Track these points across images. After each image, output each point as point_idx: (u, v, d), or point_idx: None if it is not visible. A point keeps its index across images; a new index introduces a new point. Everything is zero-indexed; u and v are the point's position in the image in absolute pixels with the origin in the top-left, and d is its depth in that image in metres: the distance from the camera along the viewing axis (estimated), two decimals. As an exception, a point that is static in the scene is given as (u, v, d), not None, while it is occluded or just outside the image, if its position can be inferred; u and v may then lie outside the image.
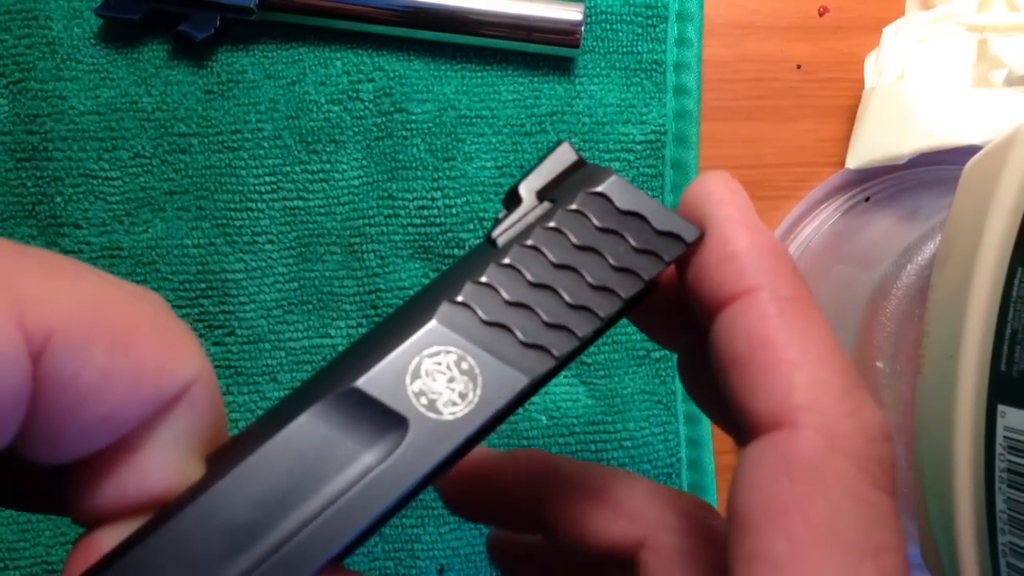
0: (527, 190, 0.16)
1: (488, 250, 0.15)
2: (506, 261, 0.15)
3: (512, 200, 0.16)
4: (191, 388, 0.13)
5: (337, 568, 0.14)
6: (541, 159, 0.16)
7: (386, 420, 0.14)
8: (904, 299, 0.27)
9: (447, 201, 0.32)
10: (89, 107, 0.32)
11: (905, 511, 0.27)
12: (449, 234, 0.32)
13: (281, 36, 0.33)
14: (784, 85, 0.36)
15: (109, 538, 0.13)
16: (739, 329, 0.15)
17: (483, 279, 0.15)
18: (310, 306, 0.32)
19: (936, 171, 0.35)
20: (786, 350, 0.14)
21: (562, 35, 0.32)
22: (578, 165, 0.16)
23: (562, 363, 0.15)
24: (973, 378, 0.20)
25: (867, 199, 0.35)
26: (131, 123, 0.32)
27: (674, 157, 0.33)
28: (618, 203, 0.15)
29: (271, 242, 0.32)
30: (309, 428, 0.13)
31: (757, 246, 0.15)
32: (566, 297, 0.15)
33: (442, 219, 0.32)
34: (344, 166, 0.32)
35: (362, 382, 0.14)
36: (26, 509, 0.16)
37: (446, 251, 0.32)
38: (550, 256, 0.15)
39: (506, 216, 0.16)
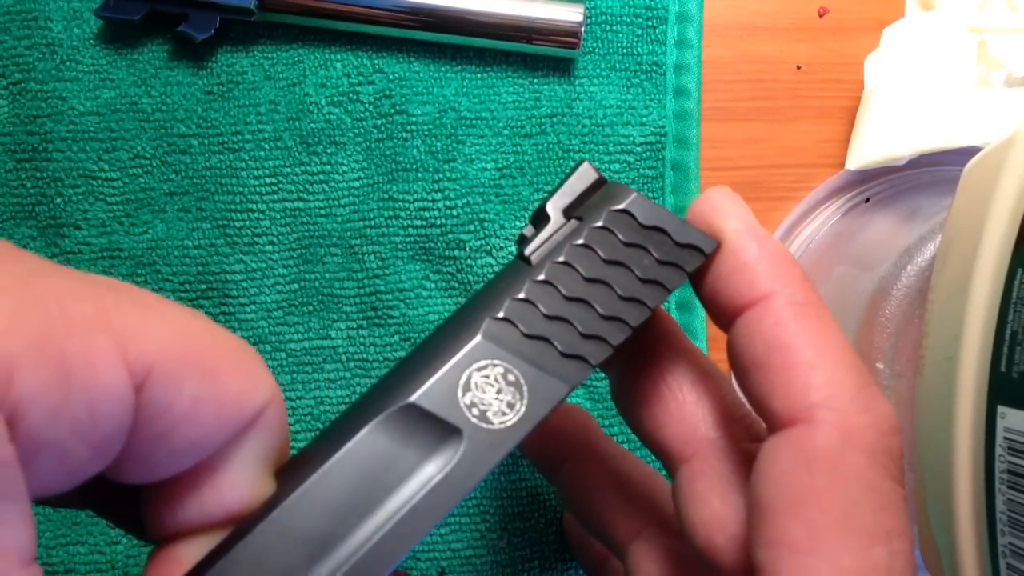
0: (554, 208, 0.17)
1: (523, 267, 0.16)
2: (541, 277, 0.16)
3: (540, 218, 0.17)
4: (266, 410, 0.14)
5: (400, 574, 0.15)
6: (564, 178, 0.17)
7: (442, 431, 0.15)
8: (904, 300, 0.27)
9: (447, 203, 0.32)
10: (89, 108, 0.32)
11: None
12: (449, 235, 0.32)
13: (281, 37, 0.33)
14: (784, 86, 0.36)
15: (188, 552, 0.14)
16: (756, 334, 0.16)
17: (522, 295, 0.15)
18: (310, 308, 0.32)
19: (936, 172, 0.35)
20: (802, 352, 0.15)
21: (562, 36, 0.32)
22: (599, 183, 0.17)
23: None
24: (973, 379, 0.20)
25: (867, 200, 0.35)
26: (131, 124, 0.32)
27: (674, 159, 0.33)
28: (641, 219, 0.16)
29: (271, 243, 0.32)
30: (371, 442, 0.14)
31: (768, 255, 0.16)
32: (599, 309, 0.16)
33: (442, 221, 0.32)
34: (344, 168, 0.32)
35: (417, 397, 0.14)
36: (91, 509, 0.16)
37: (446, 253, 0.32)
38: (582, 271, 0.16)
39: (535, 234, 0.17)
